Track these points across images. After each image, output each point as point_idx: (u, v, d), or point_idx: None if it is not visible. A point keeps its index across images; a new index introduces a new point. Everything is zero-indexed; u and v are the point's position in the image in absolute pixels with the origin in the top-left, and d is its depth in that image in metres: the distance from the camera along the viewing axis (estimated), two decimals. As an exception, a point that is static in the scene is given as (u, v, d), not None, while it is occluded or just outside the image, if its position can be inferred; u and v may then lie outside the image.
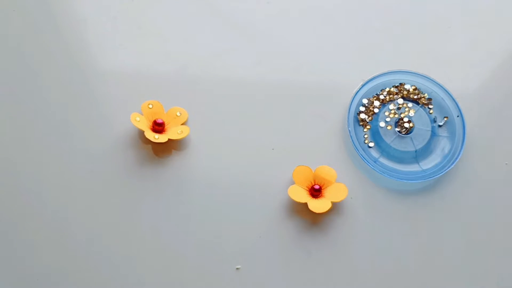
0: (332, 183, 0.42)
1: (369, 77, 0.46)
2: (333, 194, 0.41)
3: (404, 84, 0.46)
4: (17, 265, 0.40)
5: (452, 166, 0.43)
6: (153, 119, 0.44)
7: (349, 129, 0.44)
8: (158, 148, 0.44)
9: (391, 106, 0.45)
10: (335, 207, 0.42)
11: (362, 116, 0.45)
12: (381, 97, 0.46)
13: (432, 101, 0.46)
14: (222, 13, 0.52)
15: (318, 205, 0.41)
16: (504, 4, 0.52)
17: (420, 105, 0.46)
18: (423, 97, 0.46)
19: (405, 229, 0.42)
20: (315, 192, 0.41)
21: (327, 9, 0.52)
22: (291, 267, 0.40)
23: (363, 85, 0.46)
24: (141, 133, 0.44)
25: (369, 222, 0.42)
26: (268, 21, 0.51)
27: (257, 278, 0.39)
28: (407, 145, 0.44)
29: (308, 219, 0.42)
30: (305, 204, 0.41)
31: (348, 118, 0.44)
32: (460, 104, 0.45)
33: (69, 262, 0.40)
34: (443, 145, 0.44)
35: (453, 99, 0.45)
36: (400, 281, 0.40)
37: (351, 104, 0.45)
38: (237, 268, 0.40)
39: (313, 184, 0.42)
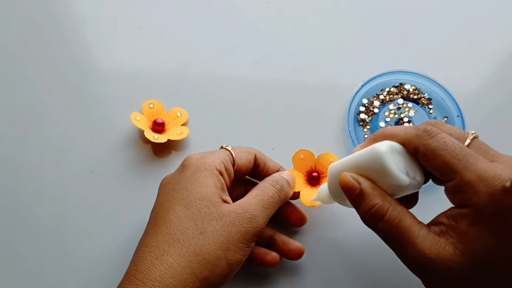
0: None
1: (369, 77, 0.46)
2: None
3: (404, 84, 0.46)
4: (17, 265, 0.40)
5: (452, 166, 0.43)
6: (154, 119, 0.44)
7: (349, 129, 0.44)
8: (157, 148, 0.44)
9: (391, 106, 0.45)
10: (334, 206, 0.42)
11: (362, 116, 0.45)
12: (381, 97, 0.46)
13: (432, 101, 0.46)
14: (222, 13, 0.52)
15: (310, 198, 0.39)
16: (504, 4, 0.52)
17: (420, 105, 0.46)
18: (423, 97, 0.46)
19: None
20: (312, 180, 0.40)
21: (327, 10, 0.52)
22: (291, 267, 0.40)
23: (363, 85, 0.46)
24: (141, 132, 0.44)
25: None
26: (268, 21, 0.51)
27: (257, 278, 0.40)
28: (407, 145, 0.44)
29: (309, 220, 0.41)
30: (301, 207, 0.41)
31: (348, 118, 0.44)
32: (460, 104, 0.45)
33: (69, 262, 0.40)
34: (443, 145, 0.44)
35: (453, 99, 0.45)
36: (400, 281, 0.40)
37: (351, 104, 0.45)
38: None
39: (313, 170, 0.41)
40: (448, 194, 0.30)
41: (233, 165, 0.37)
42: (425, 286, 0.31)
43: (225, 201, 0.34)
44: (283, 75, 0.48)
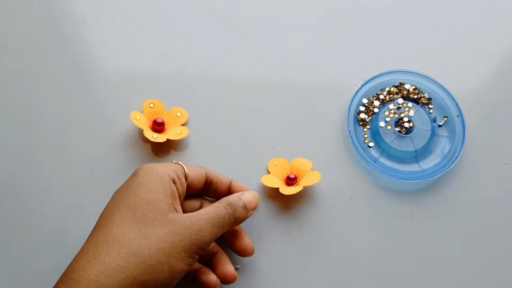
0: (307, 172, 0.42)
1: (369, 77, 0.46)
2: (307, 181, 0.41)
3: (404, 84, 0.46)
4: (17, 265, 0.40)
5: (452, 166, 0.43)
6: (154, 118, 0.44)
7: (349, 129, 0.44)
8: (157, 148, 0.44)
9: (391, 106, 0.45)
10: (334, 206, 0.42)
11: (362, 116, 0.45)
12: (381, 96, 0.46)
13: (432, 101, 0.46)
14: (222, 13, 0.52)
15: (287, 191, 0.41)
16: (504, 4, 0.52)
17: (420, 105, 0.46)
18: (423, 96, 0.46)
19: (405, 228, 0.42)
20: (290, 181, 0.42)
21: (327, 10, 0.52)
22: (291, 266, 0.40)
23: (363, 85, 0.46)
24: (141, 132, 0.44)
25: (369, 221, 0.42)
26: (268, 21, 0.51)
27: (257, 278, 0.40)
28: (407, 145, 0.44)
29: (309, 220, 0.42)
30: (301, 207, 0.41)
31: (348, 118, 0.44)
32: (460, 104, 0.45)
33: (68, 262, 0.40)
34: (443, 145, 0.44)
35: (453, 99, 0.45)
36: (399, 281, 0.40)
37: (351, 104, 0.45)
38: (236, 268, 0.40)
39: (289, 174, 0.42)
40: None
41: (186, 178, 0.37)
42: None
43: (175, 209, 0.34)
44: (283, 75, 0.48)
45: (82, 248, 0.32)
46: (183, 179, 0.37)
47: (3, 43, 0.49)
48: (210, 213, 0.35)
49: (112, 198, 0.35)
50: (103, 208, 0.41)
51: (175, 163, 0.38)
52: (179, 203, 0.35)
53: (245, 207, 0.37)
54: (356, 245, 0.41)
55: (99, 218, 0.34)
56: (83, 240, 0.40)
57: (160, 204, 0.33)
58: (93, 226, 0.41)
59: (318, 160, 0.43)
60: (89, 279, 0.29)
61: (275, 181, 0.42)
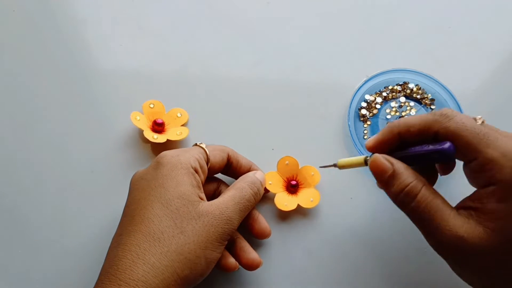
0: (310, 187, 0.42)
1: (373, 74, 0.46)
2: (306, 197, 0.41)
3: (408, 83, 0.46)
4: (17, 265, 0.40)
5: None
6: (154, 119, 0.44)
7: (349, 123, 0.44)
8: (157, 148, 0.44)
9: (393, 104, 0.45)
10: (334, 206, 0.42)
11: (363, 111, 0.45)
12: (384, 94, 0.46)
13: (434, 101, 0.46)
14: (222, 13, 0.52)
15: (283, 202, 0.40)
16: (504, 4, 0.52)
17: (422, 105, 0.46)
18: (427, 97, 0.46)
19: (405, 229, 0.42)
20: (290, 188, 0.42)
21: (327, 9, 0.52)
22: (291, 265, 0.40)
23: (366, 81, 0.46)
24: (141, 132, 0.44)
25: (369, 221, 0.42)
26: (268, 21, 0.51)
27: (257, 278, 0.39)
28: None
29: (309, 220, 0.41)
30: (301, 207, 0.41)
31: (349, 112, 0.44)
32: (460, 104, 0.45)
33: (69, 263, 0.40)
34: (443, 145, 0.44)
35: (454, 99, 0.45)
36: (399, 280, 0.40)
37: (352, 99, 0.45)
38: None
39: (293, 178, 0.42)
40: (471, 175, 0.30)
41: (207, 162, 0.38)
42: (453, 268, 0.31)
43: (201, 198, 0.35)
44: (283, 75, 0.48)
45: (121, 245, 0.32)
46: (205, 166, 0.37)
47: (3, 43, 0.50)
48: (236, 198, 0.35)
49: (136, 187, 0.35)
50: (106, 207, 0.41)
51: (197, 145, 0.38)
52: (202, 191, 0.36)
53: (261, 185, 0.38)
54: (356, 245, 0.41)
55: (129, 210, 0.34)
56: (83, 240, 0.41)
57: (190, 196, 0.34)
58: (92, 227, 0.41)
59: (319, 160, 0.43)
60: (137, 280, 0.30)
61: (276, 183, 0.41)
